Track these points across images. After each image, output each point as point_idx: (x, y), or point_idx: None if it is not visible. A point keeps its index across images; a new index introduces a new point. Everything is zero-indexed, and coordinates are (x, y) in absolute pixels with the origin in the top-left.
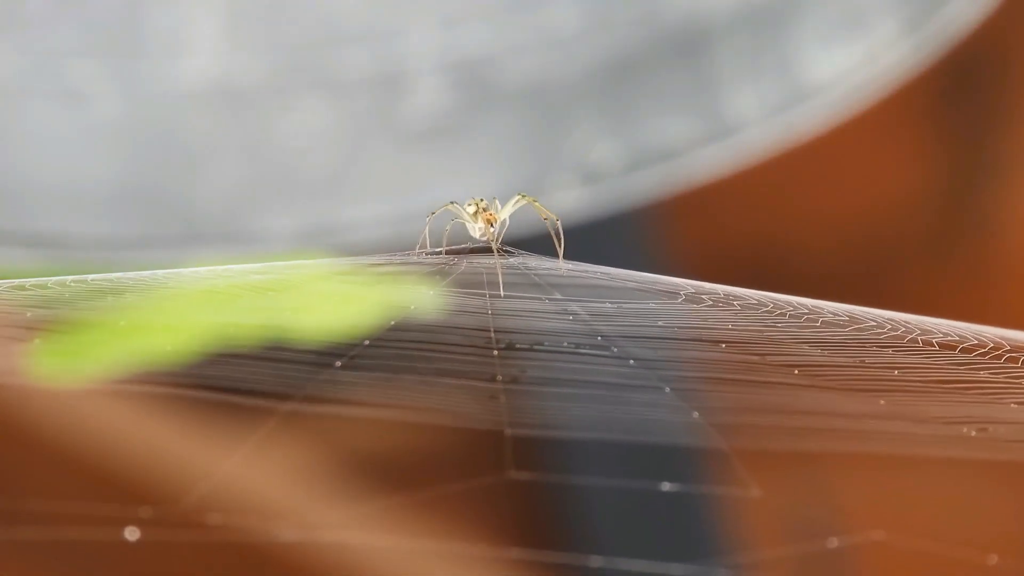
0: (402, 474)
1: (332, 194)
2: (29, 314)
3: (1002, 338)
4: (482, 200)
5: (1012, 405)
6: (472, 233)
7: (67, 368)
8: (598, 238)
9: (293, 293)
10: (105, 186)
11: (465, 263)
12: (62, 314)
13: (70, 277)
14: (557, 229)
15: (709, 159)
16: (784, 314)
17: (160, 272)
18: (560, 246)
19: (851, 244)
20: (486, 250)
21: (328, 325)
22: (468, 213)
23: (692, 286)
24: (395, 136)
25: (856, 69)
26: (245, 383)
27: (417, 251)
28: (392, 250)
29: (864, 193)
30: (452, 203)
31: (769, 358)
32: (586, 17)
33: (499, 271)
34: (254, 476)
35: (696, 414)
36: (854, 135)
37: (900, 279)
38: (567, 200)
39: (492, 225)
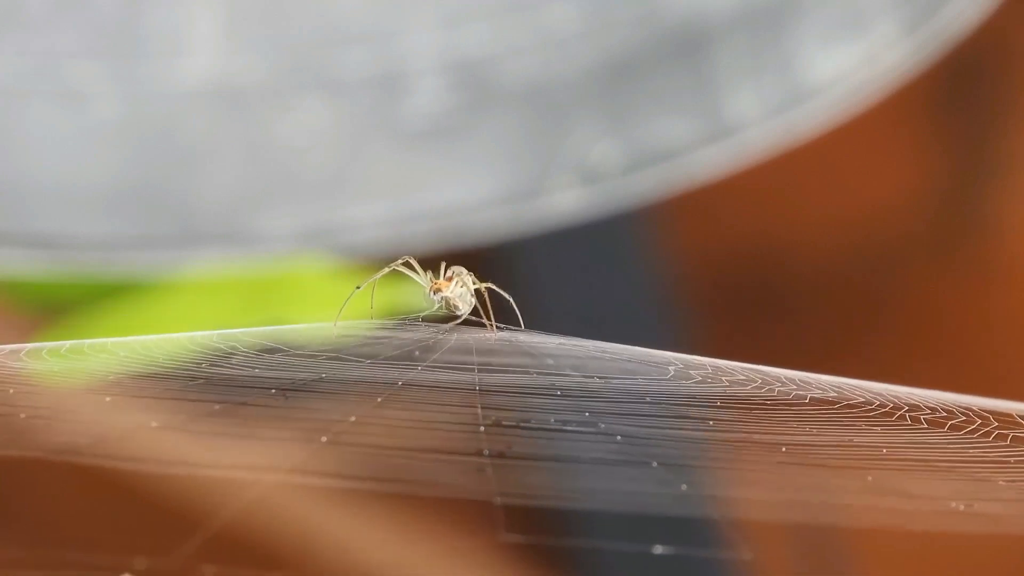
0: (398, 532)
1: (332, 194)
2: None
3: (989, 411)
4: (467, 274)
5: (1000, 483)
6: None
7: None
8: (598, 238)
9: (280, 343)
10: (105, 186)
11: (455, 337)
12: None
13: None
14: (485, 300)
15: (709, 159)
16: (772, 390)
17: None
18: (490, 317)
19: (851, 244)
20: (477, 324)
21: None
22: (435, 282)
23: (681, 360)
24: (395, 136)
25: (856, 69)
26: (230, 450)
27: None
28: (391, 251)
29: (864, 193)
30: (407, 260)
31: (756, 436)
32: (586, 17)
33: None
34: (249, 528)
35: (684, 486)
36: (854, 135)
37: (900, 279)
38: (567, 200)
39: (440, 292)
